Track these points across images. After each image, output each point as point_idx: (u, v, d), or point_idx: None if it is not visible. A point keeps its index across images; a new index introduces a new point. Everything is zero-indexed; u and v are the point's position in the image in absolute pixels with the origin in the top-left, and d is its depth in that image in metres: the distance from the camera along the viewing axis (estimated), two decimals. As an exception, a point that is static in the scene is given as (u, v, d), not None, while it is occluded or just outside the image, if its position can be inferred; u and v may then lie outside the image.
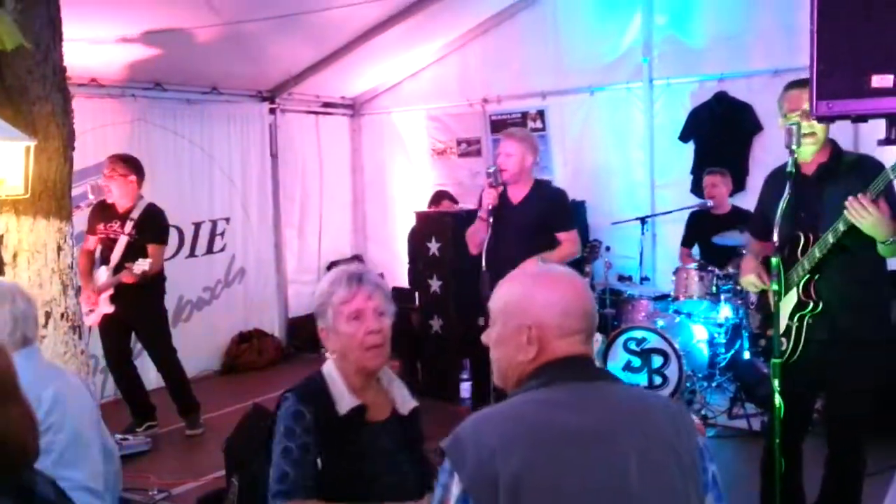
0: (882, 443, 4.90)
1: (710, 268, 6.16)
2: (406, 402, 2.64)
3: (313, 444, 2.38)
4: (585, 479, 1.62)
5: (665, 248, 7.41)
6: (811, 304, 3.39)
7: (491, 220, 4.79)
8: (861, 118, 2.46)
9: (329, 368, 2.54)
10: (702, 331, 6.24)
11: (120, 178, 5.70)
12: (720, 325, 6.19)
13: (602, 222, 7.55)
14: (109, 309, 5.74)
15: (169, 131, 7.53)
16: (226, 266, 8.22)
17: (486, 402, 5.50)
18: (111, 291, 5.73)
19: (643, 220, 7.03)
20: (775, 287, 3.23)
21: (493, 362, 1.92)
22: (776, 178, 3.66)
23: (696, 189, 7.05)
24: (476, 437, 1.66)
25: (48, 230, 3.70)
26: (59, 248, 3.72)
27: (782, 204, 3.18)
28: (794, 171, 3.22)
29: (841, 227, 3.21)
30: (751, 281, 3.69)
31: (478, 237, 4.99)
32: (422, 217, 7.24)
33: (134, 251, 5.72)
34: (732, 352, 6.16)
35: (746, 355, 6.04)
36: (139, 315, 5.90)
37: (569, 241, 4.97)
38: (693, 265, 6.29)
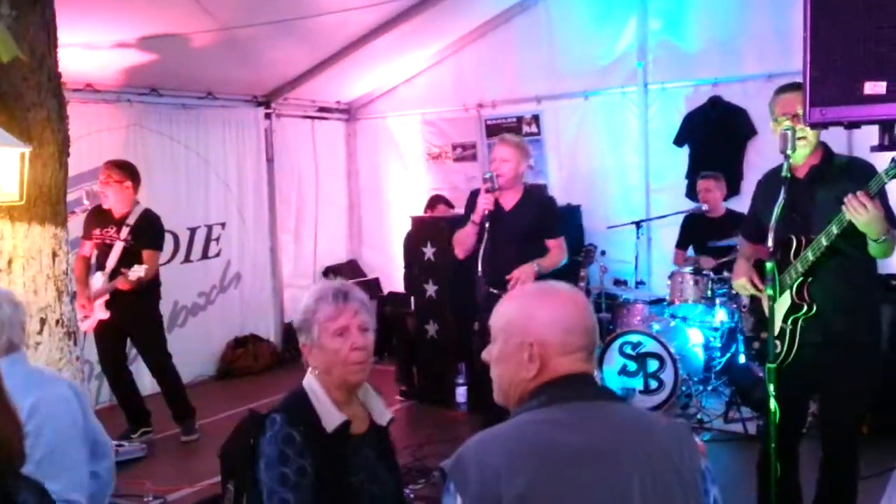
0: (877, 446, 4.93)
1: (704, 272, 6.17)
2: (383, 413, 2.67)
3: (308, 466, 2.38)
4: (588, 499, 1.62)
5: (660, 252, 7.42)
6: (805, 307, 3.40)
7: (487, 225, 4.79)
8: (854, 124, 2.47)
9: (311, 383, 2.54)
10: (697, 335, 6.24)
11: (116, 185, 5.70)
12: (715, 329, 6.20)
13: (597, 226, 7.55)
14: (105, 315, 5.73)
15: (164, 136, 7.53)
16: (221, 271, 8.21)
17: (483, 407, 5.51)
18: (106, 297, 5.72)
19: (638, 224, 7.05)
20: (770, 292, 3.23)
21: (493, 380, 1.91)
22: (768, 182, 3.67)
23: (691, 193, 7.06)
24: (479, 457, 1.65)
25: (43, 236, 3.69)
26: (54, 255, 3.72)
27: (777, 209, 3.18)
28: (789, 175, 3.23)
29: (834, 229, 3.22)
30: (742, 284, 3.70)
31: (468, 242, 5.00)
32: (417, 222, 7.24)
33: (130, 257, 5.72)
34: (728, 356, 6.16)
35: (742, 359, 6.05)
36: (134, 320, 5.90)
37: (557, 247, 5.04)
38: (688, 269, 6.29)
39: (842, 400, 3.48)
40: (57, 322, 3.72)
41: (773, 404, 3.16)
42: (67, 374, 3.72)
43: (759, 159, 6.54)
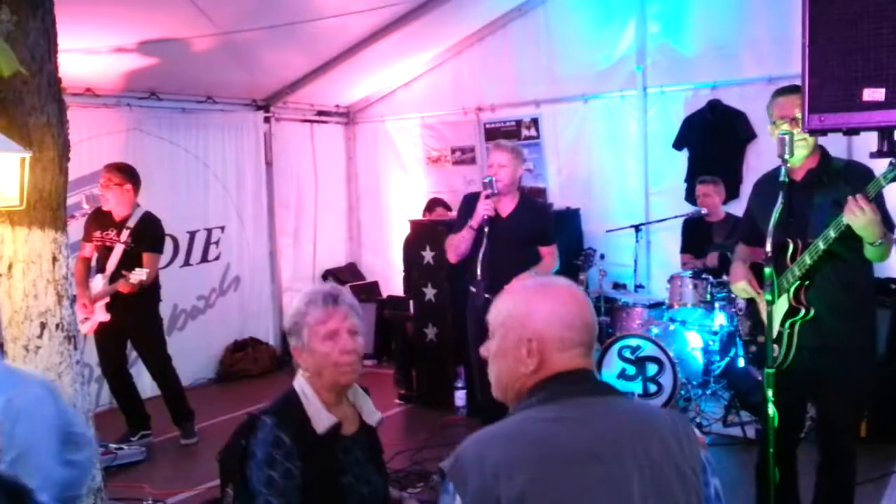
0: (875, 450, 4.94)
1: (704, 275, 6.17)
2: (372, 413, 2.69)
3: (295, 469, 2.39)
4: (589, 498, 1.62)
5: (659, 256, 7.43)
6: (802, 311, 3.41)
7: (486, 229, 4.80)
8: (852, 131, 2.48)
9: (302, 385, 2.56)
10: (696, 338, 6.24)
11: (116, 188, 5.71)
12: (714, 333, 6.20)
13: (596, 230, 7.56)
14: (105, 317, 5.74)
15: (164, 140, 7.54)
16: (220, 274, 8.22)
17: (480, 410, 5.52)
18: (107, 300, 5.73)
19: (637, 228, 7.05)
20: (769, 297, 3.24)
21: (491, 375, 1.90)
22: (765, 185, 3.69)
23: (691, 197, 7.07)
24: (478, 458, 1.65)
25: (43, 241, 3.69)
26: (55, 259, 3.71)
27: (775, 213, 3.19)
28: (787, 180, 3.24)
29: (832, 233, 3.22)
30: (742, 287, 3.70)
31: (462, 247, 5.03)
32: (416, 225, 7.25)
33: (130, 259, 5.72)
34: (727, 360, 6.16)
35: (741, 363, 6.04)
36: (135, 323, 5.90)
37: (550, 255, 5.11)
38: (687, 273, 6.29)
39: (839, 404, 3.49)
40: (57, 326, 3.71)
41: (772, 409, 3.17)
42: (67, 378, 3.72)
43: (759, 163, 6.55)
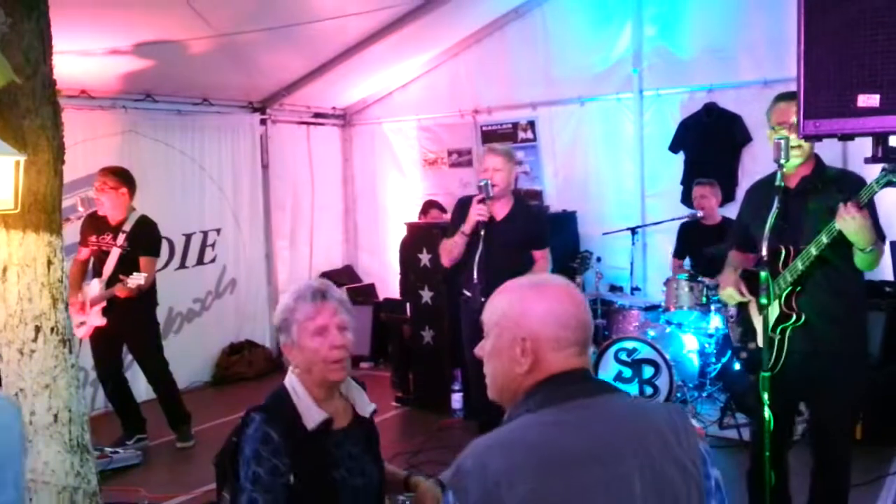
0: (870, 453, 4.95)
1: (700, 278, 6.18)
2: (366, 405, 2.69)
3: (282, 465, 2.39)
4: (591, 501, 1.60)
5: (656, 259, 7.44)
6: (794, 317, 3.41)
7: (483, 233, 4.80)
8: (847, 137, 2.48)
9: (292, 382, 2.56)
10: (692, 341, 6.26)
11: (111, 191, 5.70)
12: (710, 336, 6.21)
13: (593, 232, 7.57)
14: (101, 322, 5.72)
15: (160, 143, 7.53)
16: (217, 277, 8.21)
17: (476, 413, 5.52)
18: (103, 304, 5.72)
19: (634, 231, 7.06)
20: (763, 301, 3.24)
21: (487, 375, 1.89)
22: (758, 191, 3.70)
23: (687, 199, 7.08)
24: (479, 466, 1.63)
25: (38, 244, 3.67)
26: (49, 262, 3.70)
27: (771, 219, 3.20)
28: (782, 185, 3.24)
29: (824, 239, 3.23)
30: (730, 294, 3.70)
31: (455, 252, 5.04)
32: (413, 228, 7.25)
33: (127, 263, 5.71)
34: (723, 362, 6.17)
35: (737, 365, 6.04)
36: (131, 327, 5.89)
37: (543, 258, 5.13)
38: (683, 276, 6.30)
39: (831, 409, 3.50)
40: (52, 330, 3.70)
41: (767, 413, 3.18)
42: (62, 381, 3.70)
43: (755, 166, 6.57)
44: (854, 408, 3.65)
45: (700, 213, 6.59)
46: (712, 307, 6.14)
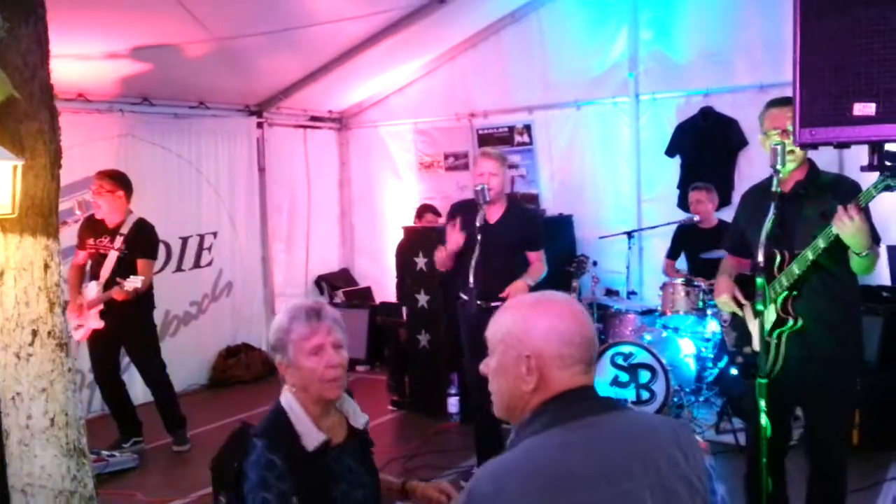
0: (867, 458, 4.96)
1: (696, 282, 6.18)
2: (358, 415, 2.70)
3: (288, 490, 2.40)
4: None
5: (652, 263, 7.45)
6: (790, 321, 3.42)
7: (479, 237, 4.81)
8: (843, 145, 2.49)
9: (289, 401, 2.56)
10: (689, 345, 6.26)
11: (108, 195, 5.70)
12: (707, 340, 6.22)
13: (589, 236, 7.58)
14: (99, 325, 5.72)
15: (157, 146, 7.53)
16: (213, 280, 8.20)
17: (473, 417, 5.51)
18: (100, 307, 5.71)
19: (630, 235, 7.07)
20: (760, 307, 3.24)
21: (493, 393, 1.89)
22: (753, 196, 3.71)
23: (683, 203, 7.10)
24: (491, 491, 1.64)
25: (35, 248, 3.67)
26: (46, 266, 3.70)
27: (767, 224, 3.20)
28: (779, 190, 3.25)
29: (821, 243, 3.24)
30: (725, 301, 3.70)
31: (448, 263, 5.14)
32: (409, 232, 7.25)
33: (124, 266, 5.71)
34: (719, 366, 6.17)
35: (733, 370, 6.05)
36: (129, 329, 5.88)
37: (538, 260, 5.15)
38: (680, 280, 6.31)
39: (827, 414, 3.50)
40: (49, 334, 3.69)
41: (764, 420, 3.18)
42: (59, 385, 3.70)
43: (751, 170, 6.59)
44: (849, 414, 3.64)
45: (696, 218, 6.60)
46: (709, 311, 6.15)
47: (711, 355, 6.21)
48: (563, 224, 7.65)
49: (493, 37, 8.24)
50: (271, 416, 2.57)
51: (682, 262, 6.90)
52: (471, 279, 4.78)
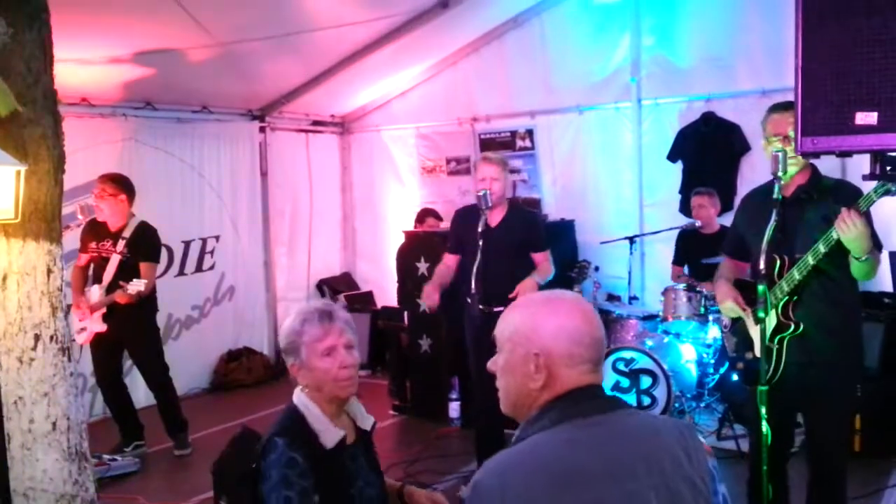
0: (869, 465, 4.95)
1: (698, 288, 6.18)
2: (365, 418, 2.74)
3: (310, 487, 2.43)
4: None
5: (654, 268, 7.45)
6: (791, 327, 3.42)
7: (480, 243, 4.82)
8: (846, 154, 2.49)
9: (303, 401, 2.59)
10: (690, 351, 6.26)
11: (110, 198, 5.71)
12: (708, 346, 6.21)
13: (591, 241, 7.57)
14: (101, 328, 5.73)
15: (160, 150, 7.54)
16: (215, 284, 8.21)
17: (474, 421, 5.52)
18: (103, 310, 5.72)
19: (632, 240, 7.07)
20: (762, 314, 3.24)
21: (500, 390, 1.89)
22: (753, 200, 3.71)
23: (685, 208, 7.09)
24: (496, 485, 1.65)
25: (38, 252, 3.68)
26: (49, 271, 3.71)
27: (769, 231, 3.21)
28: (780, 197, 3.25)
29: (822, 247, 3.24)
30: (729, 307, 3.70)
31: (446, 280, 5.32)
32: (411, 236, 7.26)
33: (127, 270, 5.72)
34: (721, 372, 6.17)
35: (735, 376, 6.04)
36: (132, 332, 5.90)
37: (545, 261, 5.17)
38: (681, 285, 6.31)
39: (828, 420, 3.50)
40: (51, 338, 3.70)
41: (765, 427, 3.18)
42: (61, 390, 3.70)
43: (753, 175, 6.58)
44: (849, 419, 3.64)
45: (698, 223, 6.60)
46: (710, 317, 6.14)
47: (713, 361, 6.20)
48: (565, 229, 7.65)
49: (495, 41, 8.25)
50: (287, 415, 2.59)
51: (685, 270, 6.89)
52: (472, 285, 4.79)
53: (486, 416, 5.02)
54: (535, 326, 1.81)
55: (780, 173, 3.20)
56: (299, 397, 2.60)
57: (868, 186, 3.00)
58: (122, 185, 5.80)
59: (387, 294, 8.76)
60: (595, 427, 1.73)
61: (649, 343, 6.14)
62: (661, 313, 6.43)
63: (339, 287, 9.24)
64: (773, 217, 3.23)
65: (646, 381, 5.93)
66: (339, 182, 9.70)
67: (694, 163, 7.20)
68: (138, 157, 7.28)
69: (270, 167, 8.73)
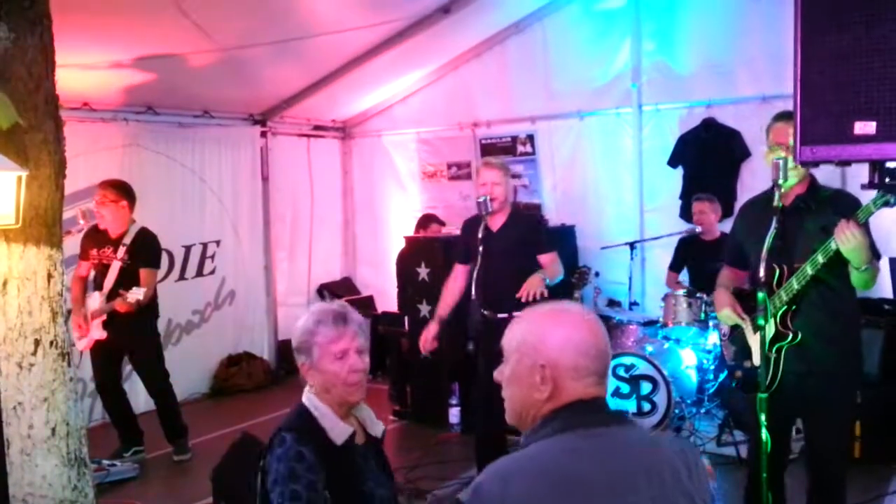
0: (869, 472, 4.94)
1: (698, 294, 6.18)
2: (375, 424, 2.74)
3: (318, 481, 2.43)
4: None
5: (654, 273, 7.45)
6: (790, 336, 3.42)
7: (481, 248, 4.82)
8: (844, 163, 2.50)
9: (312, 400, 2.60)
10: (690, 357, 6.25)
11: (111, 205, 5.71)
12: (709, 352, 6.21)
13: (591, 247, 7.58)
14: (101, 335, 5.73)
15: (161, 155, 7.54)
16: (216, 289, 8.21)
17: (474, 427, 5.51)
18: (103, 317, 5.72)
19: (632, 245, 7.07)
20: (762, 322, 3.24)
21: (505, 400, 1.91)
22: (752, 209, 3.72)
23: (685, 214, 7.09)
24: (497, 490, 1.66)
25: (38, 258, 3.68)
26: (49, 276, 3.71)
27: (769, 240, 3.21)
28: (781, 205, 3.26)
29: (820, 258, 3.24)
30: (728, 315, 3.71)
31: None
32: (411, 242, 7.26)
33: (127, 276, 5.72)
34: (721, 378, 6.16)
35: (733, 384, 6.04)
36: (132, 338, 5.90)
37: (552, 261, 5.09)
38: (681, 291, 6.31)
39: (827, 428, 3.51)
40: (51, 343, 3.71)
41: (765, 435, 3.18)
42: (61, 395, 3.71)
43: (753, 181, 6.59)
44: (847, 427, 3.64)
45: (699, 229, 6.60)
46: (710, 323, 6.13)
47: (713, 367, 6.20)
48: (566, 234, 7.65)
49: (496, 47, 8.26)
50: (296, 413, 2.60)
51: (684, 275, 6.89)
52: (473, 292, 4.79)
53: (486, 420, 5.01)
54: (542, 338, 1.82)
55: (780, 181, 3.20)
56: (308, 397, 2.61)
57: (866, 195, 3.00)
58: (123, 191, 5.81)
59: (387, 299, 8.76)
60: (597, 438, 1.74)
61: (649, 349, 6.14)
62: (661, 319, 6.43)
63: (339, 292, 9.23)
64: (774, 224, 3.23)
65: (646, 387, 5.92)
66: (340, 187, 9.71)
67: (694, 168, 7.21)
68: (139, 162, 7.28)
69: (271, 172, 8.73)
